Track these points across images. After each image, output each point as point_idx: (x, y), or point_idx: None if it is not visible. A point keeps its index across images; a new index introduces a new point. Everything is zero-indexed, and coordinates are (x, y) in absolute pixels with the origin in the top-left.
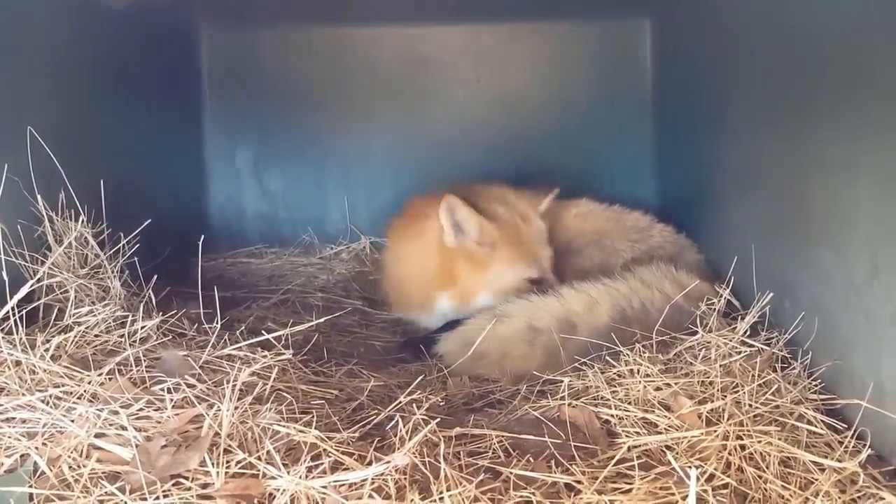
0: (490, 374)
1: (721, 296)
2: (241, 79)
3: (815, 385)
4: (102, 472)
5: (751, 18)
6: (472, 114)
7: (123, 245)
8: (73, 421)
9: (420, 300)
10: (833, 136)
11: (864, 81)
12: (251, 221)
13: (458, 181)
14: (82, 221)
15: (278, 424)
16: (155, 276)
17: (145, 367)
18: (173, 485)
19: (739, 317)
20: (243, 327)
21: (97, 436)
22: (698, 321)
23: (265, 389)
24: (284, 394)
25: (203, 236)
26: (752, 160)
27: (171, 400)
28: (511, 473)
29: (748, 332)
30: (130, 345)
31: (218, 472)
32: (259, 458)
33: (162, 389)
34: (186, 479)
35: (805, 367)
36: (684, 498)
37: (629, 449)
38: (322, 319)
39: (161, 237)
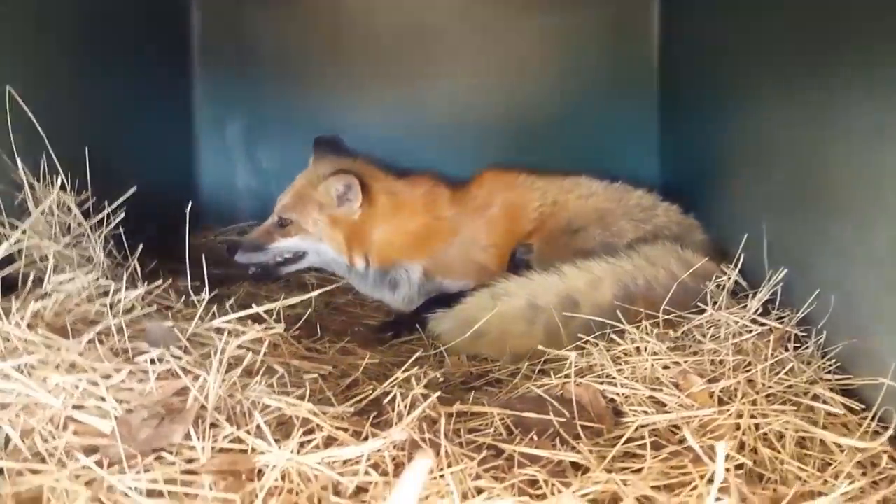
0: (489, 353)
1: (731, 273)
2: (233, 48)
3: (830, 365)
4: (80, 446)
5: None
6: (471, 87)
7: (108, 214)
8: (49, 392)
9: None
10: (860, 102)
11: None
12: (242, 198)
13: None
14: (61, 186)
15: (269, 398)
16: (141, 246)
17: (128, 337)
18: (155, 459)
19: (750, 295)
20: (232, 300)
21: (75, 407)
22: (708, 299)
23: (255, 362)
24: (276, 367)
25: (190, 202)
26: (767, 132)
27: (155, 372)
28: (515, 451)
29: (759, 311)
30: (113, 315)
31: (203, 447)
32: (248, 433)
33: (145, 361)
34: (170, 453)
35: (819, 347)
36: (702, 477)
37: (638, 428)
38: (316, 293)
39: (149, 212)
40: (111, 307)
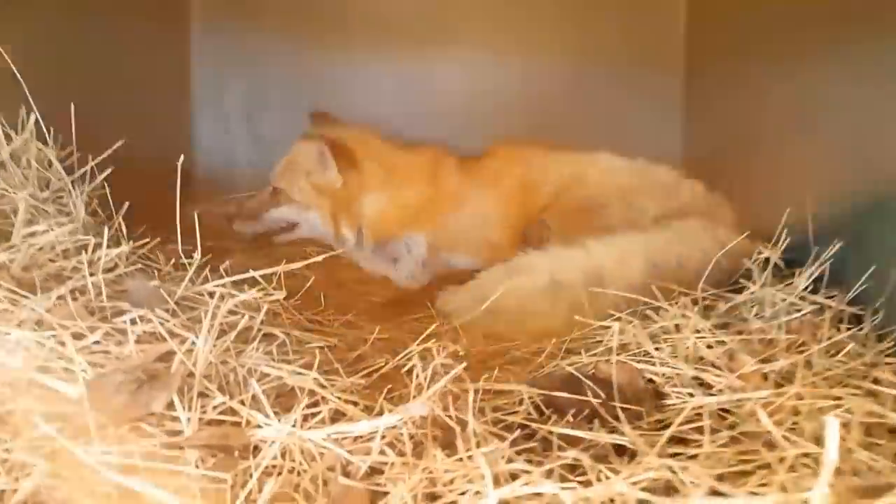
0: (506, 333)
1: (776, 247)
2: (235, 7)
3: (890, 347)
4: (41, 412)
5: None
6: (486, 58)
7: (92, 168)
8: (8, 350)
9: None
10: None
11: None
12: (241, 168)
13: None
14: (32, 131)
15: (267, 365)
16: (127, 204)
17: (107, 297)
18: (132, 430)
19: (798, 271)
20: (227, 263)
21: (38, 369)
22: (755, 275)
23: (251, 328)
24: (276, 333)
25: (182, 156)
26: (813, 95)
27: (135, 333)
28: (551, 432)
29: (809, 288)
30: (91, 273)
31: (189, 418)
32: (242, 403)
33: (125, 321)
34: (150, 424)
35: (875, 328)
36: (781, 460)
37: (678, 411)
38: (320, 257)
39: (140, 177)
40: (90, 265)
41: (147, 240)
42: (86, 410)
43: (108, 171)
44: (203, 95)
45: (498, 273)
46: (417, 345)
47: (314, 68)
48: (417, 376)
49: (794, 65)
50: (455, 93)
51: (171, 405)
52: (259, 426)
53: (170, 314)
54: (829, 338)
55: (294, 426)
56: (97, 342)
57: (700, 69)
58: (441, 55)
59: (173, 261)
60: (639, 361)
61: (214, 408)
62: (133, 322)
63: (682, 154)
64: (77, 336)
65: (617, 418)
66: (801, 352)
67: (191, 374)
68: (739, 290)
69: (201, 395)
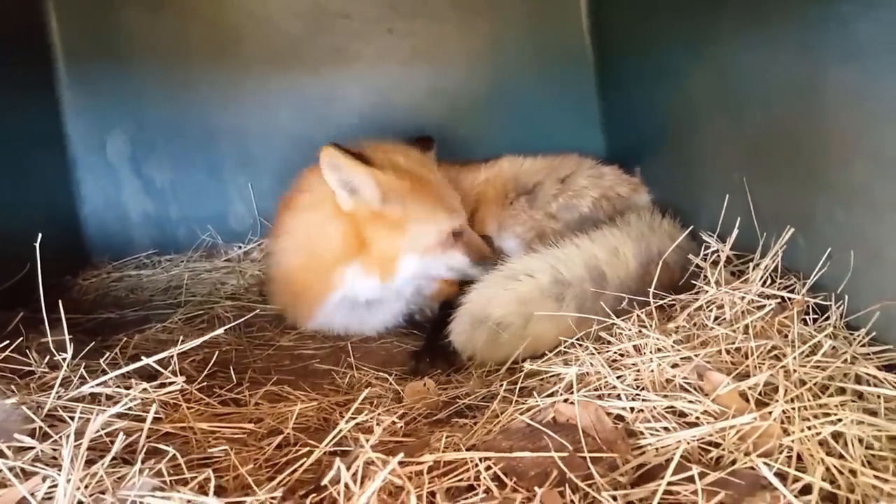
0: (512, 351)
1: (728, 242)
2: (104, 47)
3: (863, 337)
4: None
5: None
6: (387, 72)
7: None
8: None
9: (323, 282)
10: (860, 12)
11: None
12: (136, 225)
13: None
14: None
15: (154, 496)
16: None
17: None
18: None
19: (751, 264)
20: (115, 351)
21: None
22: (709, 275)
23: (139, 439)
24: (171, 442)
25: (41, 235)
26: (738, 74)
27: None
28: None
29: (766, 282)
30: None
31: None
32: None
33: None
34: None
35: (841, 316)
36: None
37: (657, 451)
38: (221, 330)
39: (16, 254)
40: None
41: (7, 342)
42: None
43: None
44: (82, 149)
45: (493, 282)
46: (346, 421)
47: (201, 102)
48: (344, 477)
49: (712, 48)
50: (361, 110)
51: None
52: None
53: (37, 436)
54: (803, 340)
55: None
56: None
57: (610, 64)
58: (340, 75)
59: (48, 358)
60: (601, 395)
61: None
62: None
63: (606, 149)
64: None
65: (590, 475)
66: (776, 357)
67: None
68: (688, 289)
69: None
